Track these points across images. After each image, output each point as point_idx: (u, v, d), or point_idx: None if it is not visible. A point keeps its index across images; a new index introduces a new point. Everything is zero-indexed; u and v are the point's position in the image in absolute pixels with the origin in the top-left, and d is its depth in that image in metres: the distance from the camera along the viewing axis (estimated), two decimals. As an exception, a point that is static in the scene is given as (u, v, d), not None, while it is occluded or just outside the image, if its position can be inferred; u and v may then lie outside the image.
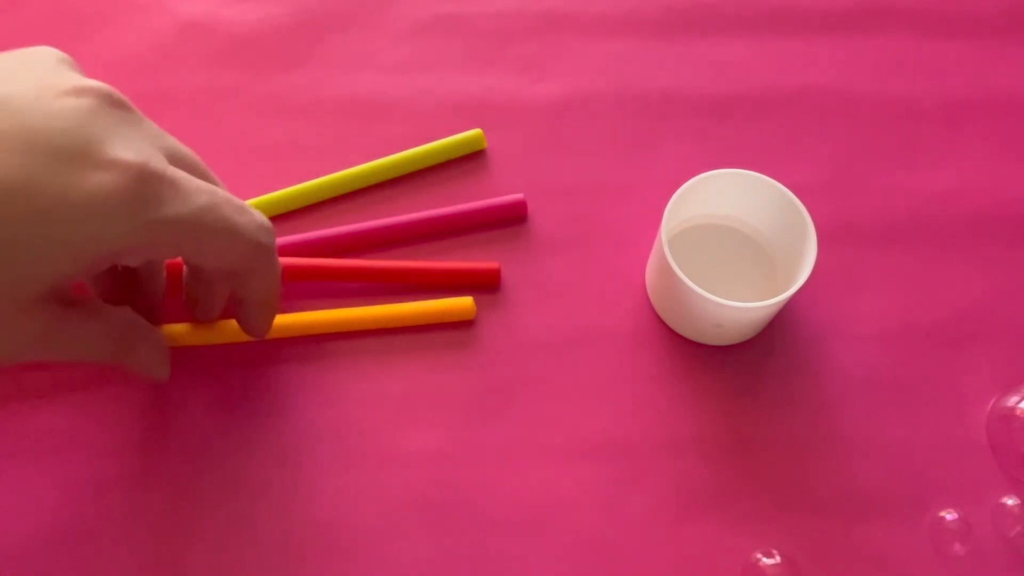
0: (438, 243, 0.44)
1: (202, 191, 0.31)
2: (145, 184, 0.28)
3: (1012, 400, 0.39)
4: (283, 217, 0.44)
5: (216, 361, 0.41)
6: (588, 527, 0.37)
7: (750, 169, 0.45)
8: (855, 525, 0.38)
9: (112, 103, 0.30)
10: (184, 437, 0.39)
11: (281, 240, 0.42)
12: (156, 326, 0.39)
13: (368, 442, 0.39)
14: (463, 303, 0.41)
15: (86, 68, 0.48)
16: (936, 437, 0.40)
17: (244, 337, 0.40)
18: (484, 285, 0.42)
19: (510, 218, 0.44)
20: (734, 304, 0.36)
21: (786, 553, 0.36)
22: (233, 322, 0.40)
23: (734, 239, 0.43)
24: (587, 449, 0.39)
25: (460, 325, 0.42)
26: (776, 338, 0.42)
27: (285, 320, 0.40)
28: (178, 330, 0.40)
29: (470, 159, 0.46)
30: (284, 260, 0.41)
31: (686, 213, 0.42)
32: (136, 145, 0.29)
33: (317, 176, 0.45)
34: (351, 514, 0.38)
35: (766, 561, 0.36)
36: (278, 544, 0.37)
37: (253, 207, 0.39)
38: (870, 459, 0.39)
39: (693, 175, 0.45)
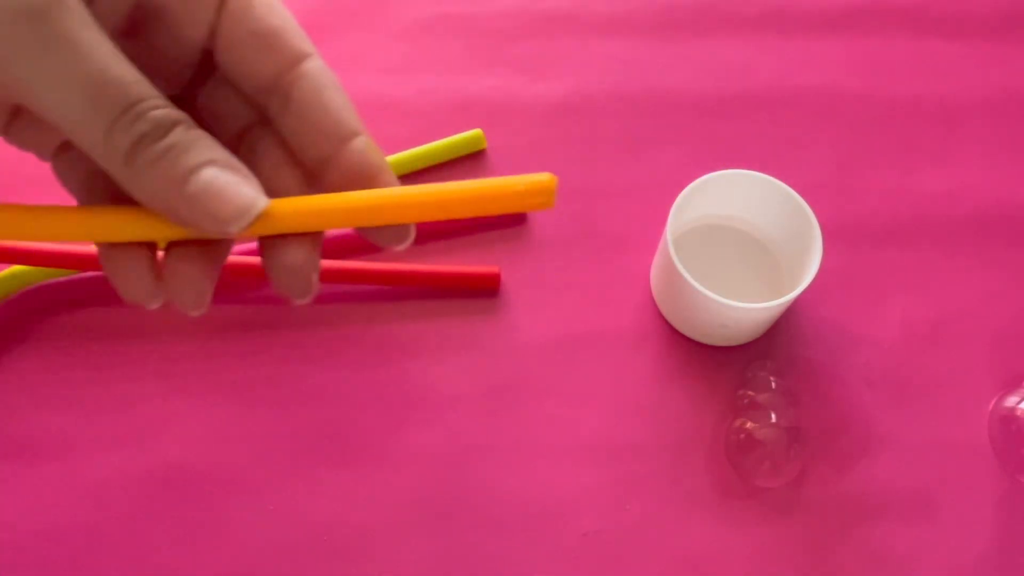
0: (438, 243, 0.43)
1: None
2: None
3: (1012, 400, 0.39)
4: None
5: (213, 359, 0.40)
6: (589, 527, 0.37)
7: (750, 169, 0.45)
8: (856, 524, 0.38)
9: None
10: (183, 437, 0.39)
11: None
12: None
13: (368, 442, 0.39)
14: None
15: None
16: (936, 437, 0.40)
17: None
18: (484, 289, 0.42)
19: (510, 218, 0.44)
20: (739, 305, 0.36)
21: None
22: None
23: (739, 240, 0.43)
24: (589, 449, 0.39)
25: (460, 325, 0.41)
26: (780, 338, 0.42)
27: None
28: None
29: (470, 159, 0.46)
30: None
31: (691, 213, 0.42)
32: None
33: (317, 176, 0.45)
34: (351, 514, 0.37)
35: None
36: (278, 544, 0.37)
37: None
38: (872, 458, 0.39)
39: (692, 175, 0.45)
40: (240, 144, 0.27)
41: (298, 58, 0.25)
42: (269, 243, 0.25)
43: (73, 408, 0.39)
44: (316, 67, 0.25)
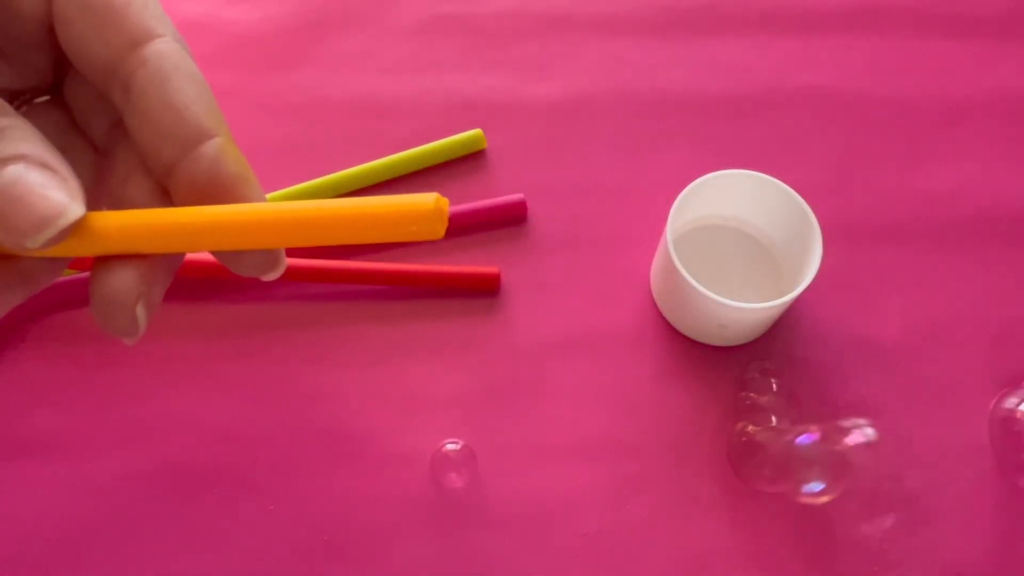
0: (438, 243, 0.43)
1: None
2: None
3: (1012, 401, 0.39)
4: (283, 217, 0.44)
5: (213, 359, 0.40)
6: (589, 527, 0.37)
7: (750, 169, 0.45)
8: (856, 524, 0.38)
9: None
10: (183, 437, 0.39)
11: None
12: None
13: (368, 442, 0.39)
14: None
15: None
16: (936, 437, 0.40)
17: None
18: (484, 289, 0.42)
19: (510, 218, 0.44)
20: (739, 305, 0.36)
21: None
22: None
23: (739, 240, 0.43)
24: (589, 449, 0.39)
25: (460, 325, 0.41)
26: (780, 338, 0.42)
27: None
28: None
29: (470, 159, 0.46)
30: None
31: (692, 213, 0.42)
32: None
33: (317, 176, 0.45)
34: (351, 514, 0.37)
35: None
36: (278, 544, 0.37)
37: None
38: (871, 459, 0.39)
39: (692, 175, 0.45)
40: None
41: (140, 38, 0.20)
42: (95, 266, 0.20)
43: (73, 408, 0.39)
44: (163, 50, 0.20)
